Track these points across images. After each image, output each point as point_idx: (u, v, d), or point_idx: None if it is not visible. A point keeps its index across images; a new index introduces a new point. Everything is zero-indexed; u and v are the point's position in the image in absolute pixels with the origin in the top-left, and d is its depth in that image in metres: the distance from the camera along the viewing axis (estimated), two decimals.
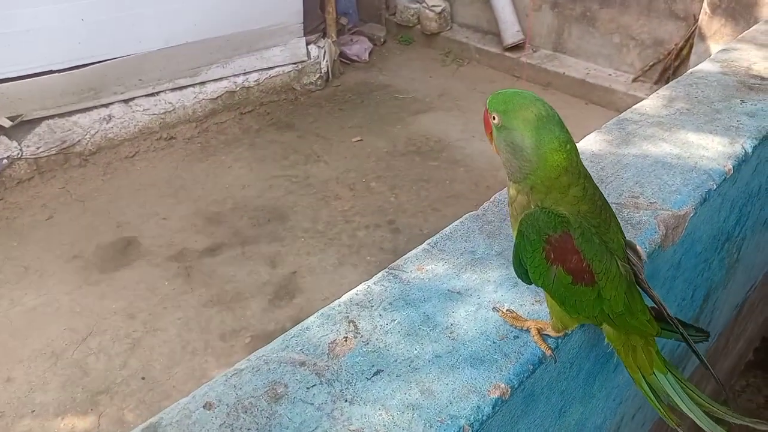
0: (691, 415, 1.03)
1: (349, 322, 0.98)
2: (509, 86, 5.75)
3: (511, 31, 5.87)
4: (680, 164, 1.39)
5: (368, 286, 1.07)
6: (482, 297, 1.03)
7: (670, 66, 5.25)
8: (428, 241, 1.18)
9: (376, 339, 0.95)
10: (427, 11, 6.35)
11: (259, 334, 3.25)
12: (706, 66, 1.90)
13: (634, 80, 5.41)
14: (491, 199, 1.32)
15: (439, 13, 6.32)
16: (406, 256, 1.14)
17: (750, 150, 1.45)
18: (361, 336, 0.95)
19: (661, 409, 1.05)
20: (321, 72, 5.63)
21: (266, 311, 3.39)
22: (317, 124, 5.20)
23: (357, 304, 1.03)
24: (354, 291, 1.06)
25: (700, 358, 1.00)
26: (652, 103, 1.68)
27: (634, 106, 1.67)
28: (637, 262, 0.96)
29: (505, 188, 1.42)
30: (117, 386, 2.94)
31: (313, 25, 5.60)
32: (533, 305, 1.03)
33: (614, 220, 0.97)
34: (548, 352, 0.97)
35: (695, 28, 4.84)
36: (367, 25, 6.70)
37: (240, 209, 4.15)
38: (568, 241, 0.89)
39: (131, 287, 3.49)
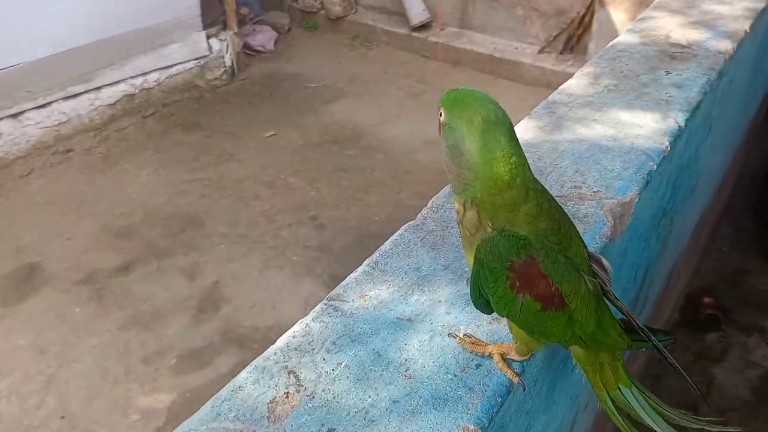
0: (656, 428, 0.96)
1: (288, 373, 0.85)
2: (418, 67, 5.70)
3: (417, 11, 5.79)
4: (617, 146, 1.33)
5: (306, 324, 0.94)
6: (435, 322, 0.92)
7: (574, 35, 5.31)
8: (367, 261, 1.06)
9: (323, 390, 0.82)
10: None
11: (184, 354, 3.05)
12: (625, 37, 1.86)
13: (540, 52, 5.44)
14: (428, 205, 1.22)
15: None
16: (345, 282, 1.01)
17: (683, 124, 1.41)
18: (305, 389, 0.82)
19: (625, 426, 0.97)
20: (225, 66, 5.38)
21: (190, 327, 3.19)
22: (226, 122, 4.96)
23: (295, 349, 0.90)
24: (290, 333, 0.93)
25: (672, 365, 0.93)
26: (578, 81, 1.62)
27: (561, 87, 1.60)
28: (602, 275, 0.87)
29: (442, 190, 1.33)
30: (35, 430, 2.69)
31: (212, 18, 5.33)
32: (491, 324, 0.93)
33: (575, 232, 0.88)
34: (515, 380, 0.88)
35: None
36: (270, 14, 6.46)
37: (150, 220, 3.89)
38: (534, 266, 0.79)
39: (39, 318, 3.20)
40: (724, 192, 3.14)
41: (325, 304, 0.96)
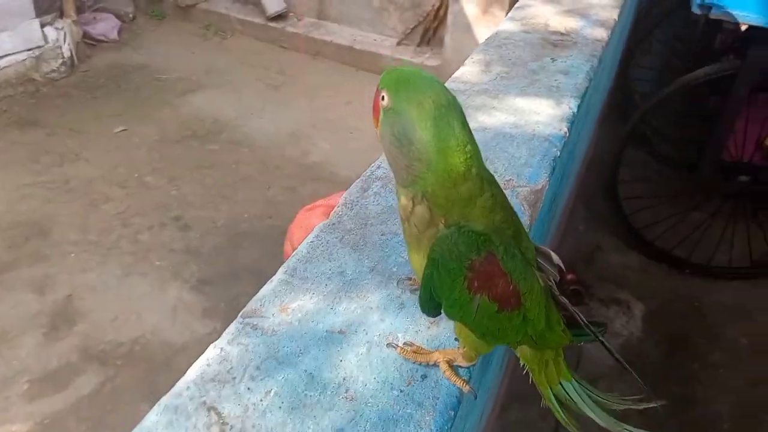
0: (595, 418, 0.94)
1: (208, 410, 0.71)
2: (276, 58, 5.52)
3: (273, 1, 5.60)
4: (520, 133, 1.30)
5: (221, 349, 0.80)
6: (369, 331, 0.83)
7: (430, 27, 5.37)
8: (283, 268, 0.94)
9: (253, 426, 0.69)
10: None
11: (39, 377, 2.72)
12: (507, 26, 1.86)
13: (398, 44, 5.46)
14: (341, 202, 1.11)
15: None
16: (260, 294, 0.88)
17: (575, 109, 1.42)
18: (231, 427, 0.69)
19: (566, 420, 0.94)
20: (63, 57, 4.90)
21: (43, 347, 2.85)
22: (68, 117, 4.52)
23: (213, 380, 0.76)
24: (203, 361, 0.79)
25: (615, 357, 0.90)
26: (471, 69, 1.58)
27: (455, 75, 1.56)
28: (549, 270, 0.82)
29: (352, 185, 1.22)
30: None
31: (46, 5, 4.83)
32: (429, 329, 0.85)
33: (521, 223, 0.82)
34: (466, 388, 0.80)
35: None
36: (111, 0, 5.97)
37: None
38: (494, 263, 0.72)
39: None
40: (582, 174, 3.30)
41: (241, 323, 0.83)
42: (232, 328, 0.81)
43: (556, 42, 1.73)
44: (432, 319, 0.86)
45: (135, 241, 3.47)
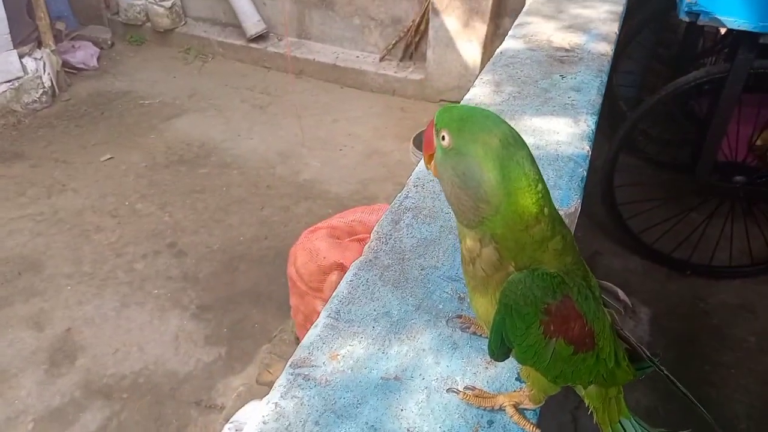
0: None
1: None
2: (260, 78, 5.49)
3: (252, 21, 5.57)
4: (543, 155, 1.29)
5: (275, 404, 0.77)
6: (426, 376, 0.80)
7: (411, 42, 5.37)
8: (325, 311, 0.91)
9: None
10: (155, 7, 5.76)
11: (43, 415, 2.66)
12: (510, 44, 1.85)
13: (381, 59, 5.45)
14: (374, 237, 1.08)
15: (170, 8, 5.77)
16: (307, 341, 0.85)
17: (593, 126, 1.41)
18: None
19: None
20: (44, 87, 4.84)
21: (44, 385, 2.79)
22: (53, 148, 4.45)
23: None
24: (259, 419, 0.76)
25: (681, 390, 0.88)
26: (482, 90, 1.57)
27: (466, 96, 1.54)
28: (614, 306, 0.80)
29: (383, 216, 1.20)
30: None
31: (23, 35, 4.76)
32: (487, 369, 0.83)
33: (584, 261, 0.80)
34: None
35: (428, 3, 4.99)
36: (88, 28, 5.92)
37: None
38: (570, 306, 0.70)
39: None
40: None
41: (291, 374, 0.80)
42: (283, 380, 0.79)
43: (563, 58, 1.73)
44: (487, 359, 0.84)
45: (130, 270, 3.41)
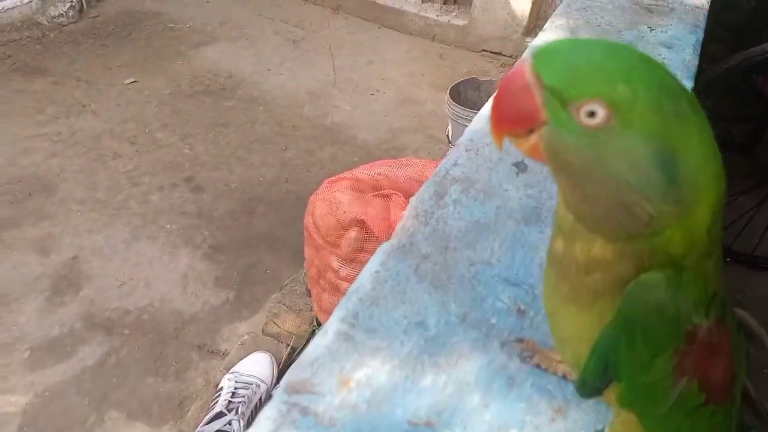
0: None
1: None
2: (296, 10, 5.22)
3: None
4: None
5: None
6: (469, 425, 0.60)
7: None
8: (340, 311, 0.70)
9: None
10: None
11: (40, 344, 2.56)
12: None
13: (424, 1, 5.15)
14: (410, 212, 0.87)
15: None
16: (311, 355, 0.64)
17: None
18: None
19: None
20: (72, 1, 4.61)
21: (45, 313, 2.68)
22: (76, 66, 4.26)
23: None
24: None
25: None
26: (553, 36, 1.33)
27: (533, 43, 1.31)
28: (747, 346, 0.59)
29: (423, 185, 0.98)
30: None
31: None
32: (554, 422, 0.62)
33: None
34: None
35: None
36: None
37: None
38: (724, 334, 0.49)
39: None
40: None
41: (285, 403, 0.59)
42: (272, 410, 0.58)
43: (650, 7, 1.47)
44: (555, 406, 0.63)
45: (144, 201, 3.27)
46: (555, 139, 0.49)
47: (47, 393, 2.41)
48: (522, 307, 0.73)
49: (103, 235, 3.06)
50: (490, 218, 0.84)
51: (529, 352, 0.69)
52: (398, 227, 0.83)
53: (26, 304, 2.70)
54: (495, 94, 0.51)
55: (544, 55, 0.49)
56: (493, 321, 0.71)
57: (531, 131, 0.51)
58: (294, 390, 0.62)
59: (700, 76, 2.99)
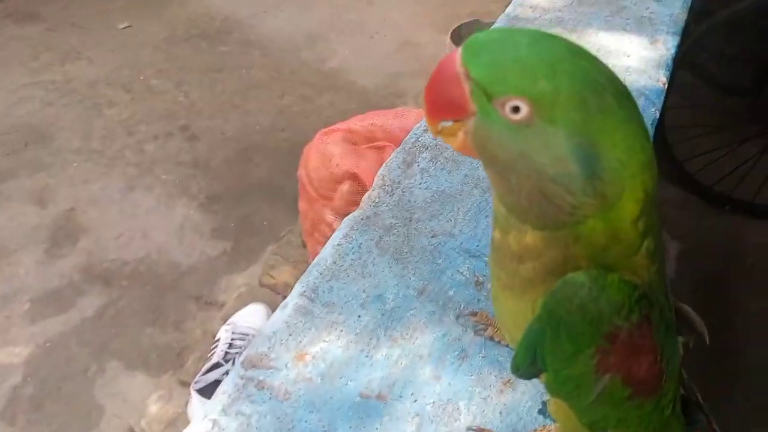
0: None
1: None
2: None
3: None
4: None
5: (213, 422, 0.58)
6: (420, 397, 0.61)
7: None
8: (300, 285, 0.70)
9: None
10: None
11: (40, 296, 2.60)
12: None
13: None
14: (377, 182, 0.85)
15: None
16: (269, 328, 0.65)
17: (674, 51, 1.13)
18: None
19: None
20: None
21: (44, 264, 2.71)
22: (70, 11, 4.18)
23: None
24: None
25: None
26: None
27: None
28: (685, 336, 0.58)
29: (393, 152, 0.95)
30: None
31: None
32: (502, 393, 0.62)
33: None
34: None
35: None
36: None
37: None
38: (646, 335, 0.49)
39: None
40: None
41: (242, 377, 0.60)
42: (229, 385, 0.58)
43: None
44: (504, 378, 0.63)
45: (140, 151, 3.25)
46: (482, 132, 0.49)
47: (48, 344, 2.45)
48: (480, 278, 0.72)
49: (99, 185, 3.05)
50: (457, 188, 0.82)
51: (483, 324, 0.69)
52: (365, 198, 0.81)
53: (25, 255, 2.72)
54: (428, 82, 0.49)
55: (473, 46, 0.48)
56: (451, 293, 0.70)
57: (460, 120, 0.51)
58: (251, 365, 0.62)
59: (710, 18, 2.90)
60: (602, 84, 0.46)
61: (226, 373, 2.24)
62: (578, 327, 0.49)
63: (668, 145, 3.09)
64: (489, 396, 0.62)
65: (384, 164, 0.86)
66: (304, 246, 2.63)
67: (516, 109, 0.47)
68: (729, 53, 3.66)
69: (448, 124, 0.51)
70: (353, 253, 0.75)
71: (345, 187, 2.12)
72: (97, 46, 3.90)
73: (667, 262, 2.31)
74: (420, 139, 0.91)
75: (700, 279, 2.84)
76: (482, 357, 0.65)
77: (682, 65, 2.87)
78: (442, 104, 0.51)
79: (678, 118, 3.01)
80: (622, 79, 0.94)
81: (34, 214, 2.89)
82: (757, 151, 3.04)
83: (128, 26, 4.08)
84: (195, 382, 2.21)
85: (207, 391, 2.18)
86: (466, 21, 3.53)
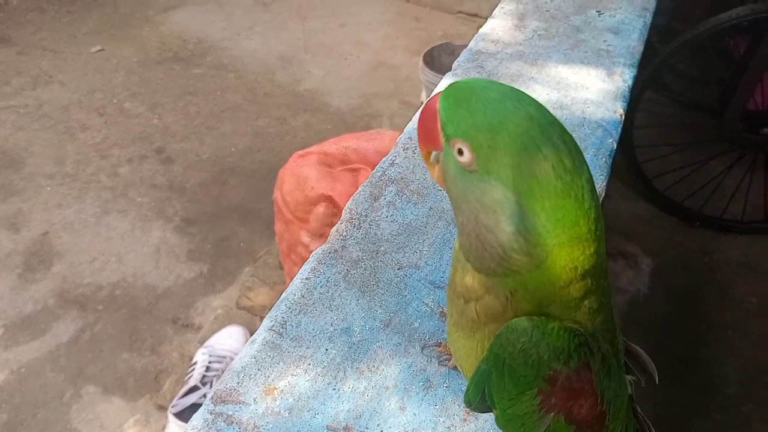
0: None
1: None
2: None
3: None
4: (567, 117, 1.07)
5: None
6: (387, 428, 0.63)
7: None
8: (268, 320, 0.72)
9: None
10: None
11: (14, 321, 2.57)
12: None
13: None
14: (345, 216, 0.88)
15: None
16: (238, 364, 0.67)
17: (630, 82, 1.18)
18: None
19: None
20: None
21: (17, 290, 2.68)
22: (41, 35, 4.17)
23: None
24: None
25: None
26: (502, 23, 1.32)
27: (482, 30, 1.30)
28: (635, 374, 0.62)
29: (360, 186, 0.99)
30: None
31: None
32: (465, 423, 0.65)
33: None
34: None
35: None
36: None
37: None
38: (585, 379, 0.52)
39: None
40: None
41: (211, 413, 0.62)
42: (199, 420, 0.61)
43: None
44: (466, 409, 0.66)
45: (114, 174, 3.24)
46: (443, 166, 0.53)
47: (23, 370, 2.42)
48: (444, 309, 0.75)
49: (73, 209, 3.04)
50: (422, 220, 0.85)
51: (446, 356, 0.72)
52: (332, 231, 0.84)
53: None
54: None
55: (450, 88, 0.52)
56: (416, 324, 0.73)
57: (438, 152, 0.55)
58: (220, 400, 0.64)
59: (674, 40, 2.99)
60: (545, 154, 0.47)
61: (204, 396, 2.23)
62: (520, 370, 0.52)
63: (638, 163, 3.17)
64: (453, 425, 0.65)
65: (351, 198, 0.89)
66: (281, 267, 2.64)
67: (461, 152, 0.50)
68: (693, 73, 3.77)
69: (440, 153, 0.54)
70: (321, 287, 0.78)
71: (320, 209, 2.15)
72: (70, 70, 3.89)
73: (639, 277, 2.37)
74: (387, 173, 0.95)
75: (672, 293, 2.90)
76: (446, 387, 0.68)
77: (649, 85, 2.95)
78: (423, 134, 0.55)
79: (647, 137, 3.10)
80: (580, 112, 0.98)
81: (8, 239, 2.87)
82: (723, 168, 3.12)
83: (101, 50, 4.08)
84: (172, 406, 2.20)
85: (184, 415, 2.17)
86: (437, 43, 3.58)
